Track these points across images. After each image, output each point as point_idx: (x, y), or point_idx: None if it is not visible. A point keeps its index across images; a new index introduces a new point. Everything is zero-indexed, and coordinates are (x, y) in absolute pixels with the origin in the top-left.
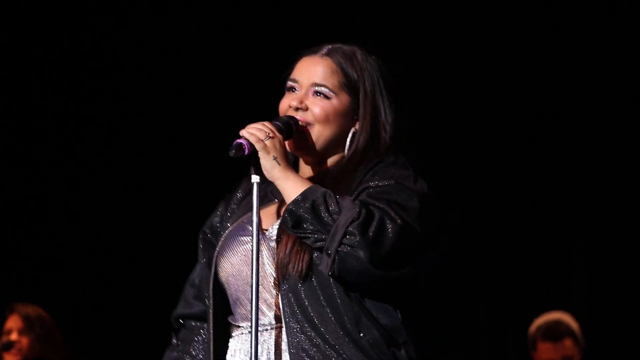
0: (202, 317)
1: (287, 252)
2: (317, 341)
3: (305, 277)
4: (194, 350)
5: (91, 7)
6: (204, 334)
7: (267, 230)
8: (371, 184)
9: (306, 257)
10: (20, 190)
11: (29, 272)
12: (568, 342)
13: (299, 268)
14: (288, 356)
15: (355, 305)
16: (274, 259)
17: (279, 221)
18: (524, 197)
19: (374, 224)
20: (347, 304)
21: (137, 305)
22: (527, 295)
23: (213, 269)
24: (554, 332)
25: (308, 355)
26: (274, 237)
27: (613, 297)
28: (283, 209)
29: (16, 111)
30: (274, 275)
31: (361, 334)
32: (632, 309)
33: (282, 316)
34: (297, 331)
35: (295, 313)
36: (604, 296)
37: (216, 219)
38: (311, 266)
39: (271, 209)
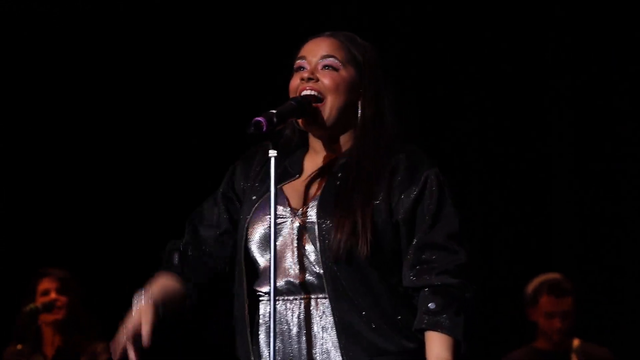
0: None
1: (330, 235)
2: (358, 311)
3: (347, 259)
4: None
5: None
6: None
7: (298, 209)
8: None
9: (348, 242)
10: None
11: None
12: (569, 300)
13: (341, 251)
14: (334, 325)
15: (393, 289)
16: (314, 239)
17: (314, 202)
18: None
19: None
20: (385, 287)
21: None
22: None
23: (243, 241)
24: (560, 288)
25: (352, 325)
26: (314, 219)
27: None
28: (317, 186)
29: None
30: (315, 255)
31: (399, 317)
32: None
33: (326, 290)
34: (341, 303)
35: (337, 288)
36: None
37: (239, 184)
38: (352, 250)
39: (296, 185)
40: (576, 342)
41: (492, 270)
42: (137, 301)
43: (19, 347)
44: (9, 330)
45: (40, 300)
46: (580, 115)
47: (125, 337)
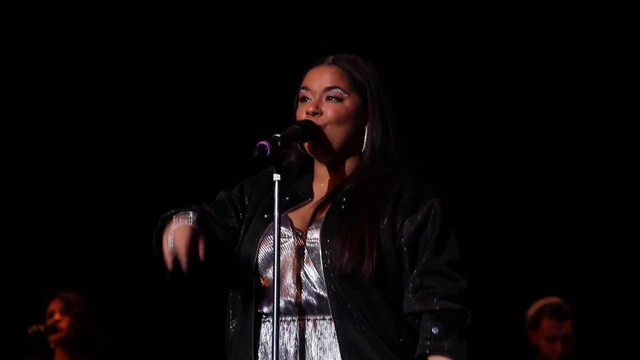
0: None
1: (334, 255)
2: (362, 331)
3: (351, 278)
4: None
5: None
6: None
7: (300, 230)
8: (422, 238)
9: (354, 260)
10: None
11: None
12: (569, 324)
13: (346, 269)
14: (338, 346)
15: (395, 311)
16: (317, 259)
17: (318, 224)
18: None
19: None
20: (387, 308)
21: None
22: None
23: (254, 260)
24: (561, 312)
25: (355, 344)
26: (317, 240)
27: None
28: (321, 209)
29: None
30: (317, 275)
31: (401, 339)
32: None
33: (330, 311)
34: (345, 323)
35: (341, 309)
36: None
37: (245, 198)
38: (356, 269)
39: (301, 210)
40: None
41: (492, 270)
42: (181, 219)
43: None
44: (21, 345)
45: (47, 322)
46: (580, 115)
47: (174, 246)
